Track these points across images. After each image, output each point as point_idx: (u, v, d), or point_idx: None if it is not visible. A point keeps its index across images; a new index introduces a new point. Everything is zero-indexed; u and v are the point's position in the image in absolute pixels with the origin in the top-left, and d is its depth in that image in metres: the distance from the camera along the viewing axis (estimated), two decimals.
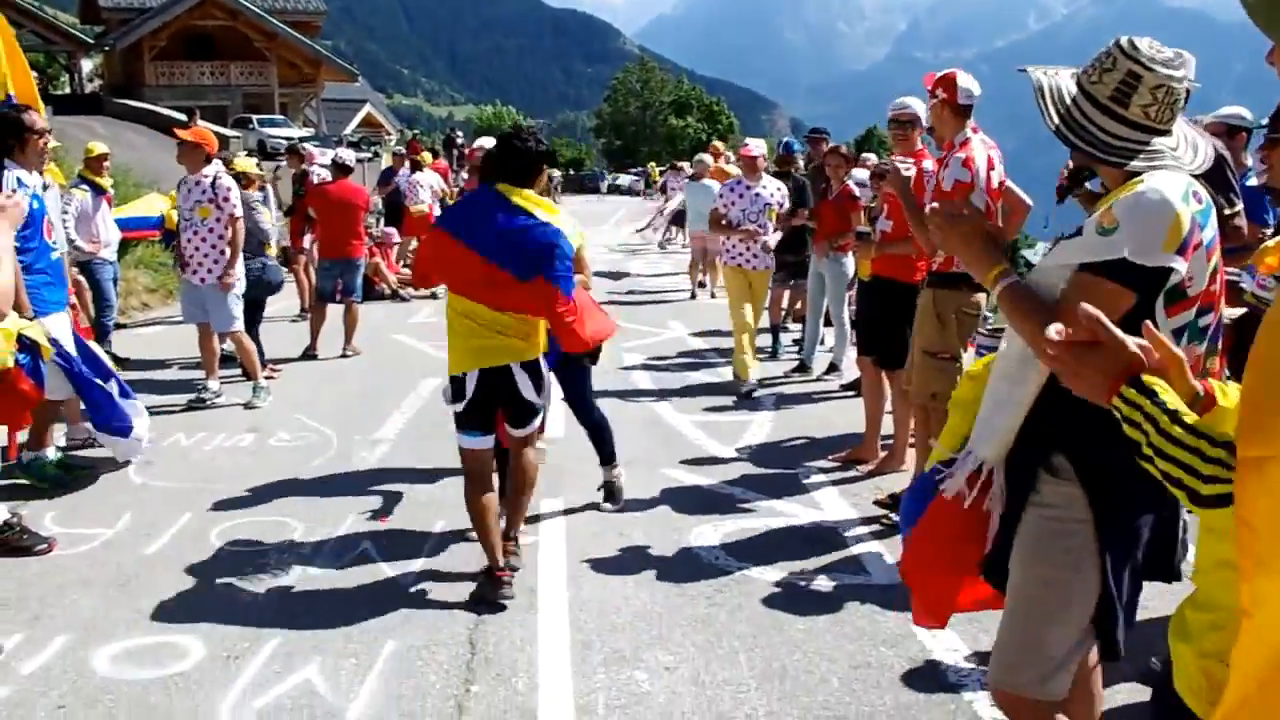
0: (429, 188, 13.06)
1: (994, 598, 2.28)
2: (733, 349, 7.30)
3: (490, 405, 3.77)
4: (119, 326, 8.72)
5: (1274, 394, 1.04)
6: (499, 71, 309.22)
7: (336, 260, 8.46)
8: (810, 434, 6.09)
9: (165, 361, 8.07)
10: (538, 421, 3.97)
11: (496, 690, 3.09)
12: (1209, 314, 1.97)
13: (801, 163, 9.11)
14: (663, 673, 3.19)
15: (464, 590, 3.77)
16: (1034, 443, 2.04)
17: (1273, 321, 1.06)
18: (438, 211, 12.22)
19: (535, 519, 4.50)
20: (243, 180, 7.37)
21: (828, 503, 4.86)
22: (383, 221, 13.81)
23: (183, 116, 21.56)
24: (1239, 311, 3.33)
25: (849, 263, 7.26)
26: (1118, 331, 1.37)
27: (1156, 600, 2.58)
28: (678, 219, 16.95)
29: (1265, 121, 4.64)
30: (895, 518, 4.45)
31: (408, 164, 13.85)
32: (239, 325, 6.67)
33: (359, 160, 12.18)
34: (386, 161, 17.68)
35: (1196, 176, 1.95)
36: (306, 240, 9.96)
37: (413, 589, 3.82)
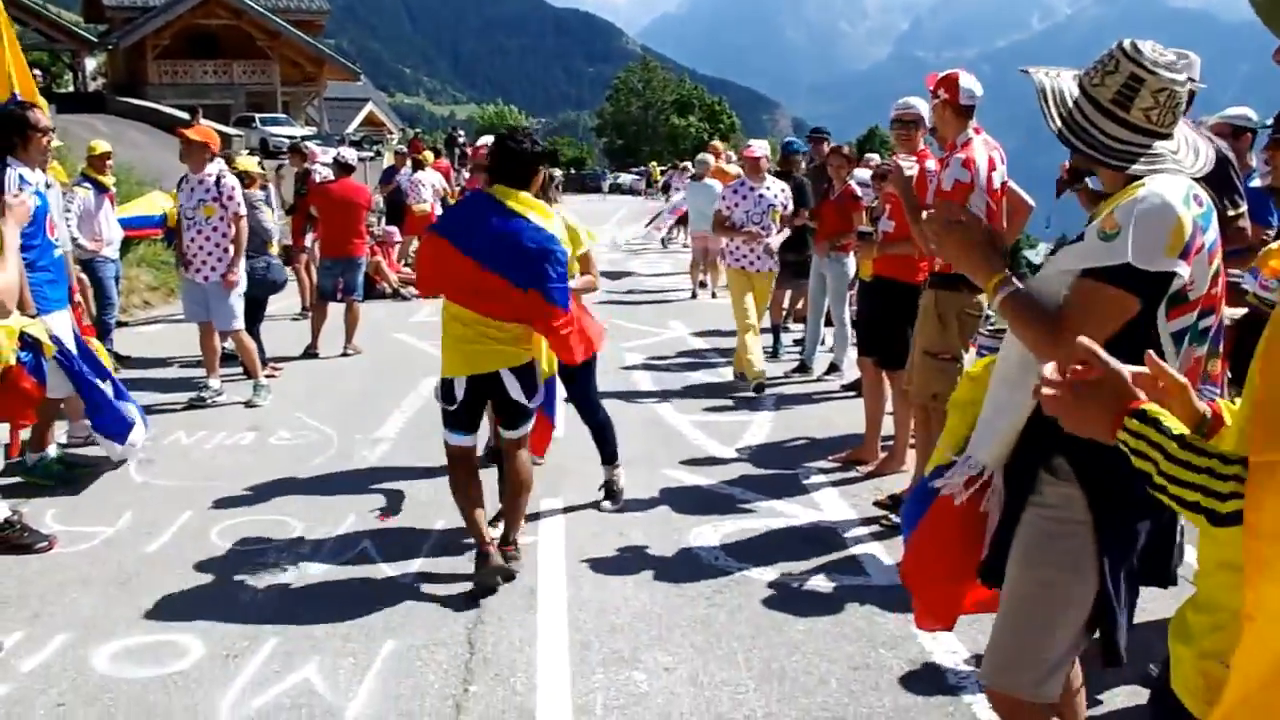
0: (431, 186, 13.07)
1: (994, 599, 2.27)
2: (733, 349, 7.29)
3: (478, 408, 3.87)
4: (120, 324, 8.73)
5: None
6: (501, 71, 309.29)
7: (338, 259, 8.47)
8: (810, 434, 6.09)
9: (166, 360, 8.07)
10: (530, 424, 3.98)
11: (495, 690, 3.08)
12: (1210, 316, 1.97)
13: (803, 163, 9.10)
14: (661, 673, 3.19)
15: (464, 590, 3.77)
16: (1035, 444, 2.04)
17: None
18: (439, 210, 12.23)
19: (535, 518, 4.50)
20: (245, 179, 7.37)
21: (828, 503, 4.85)
22: (384, 220, 13.82)
23: (185, 115, 21.55)
24: (1241, 312, 3.33)
25: (850, 263, 7.25)
26: (1114, 362, 1.35)
27: (1155, 603, 2.57)
28: (682, 218, 16.95)
29: (1269, 122, 4.63)
30: (895, 519, 4.45)
31: (409, 163, 13.86)
32: (240, 324, 6.68)
33: (361, 159, 12.17)
34: (388, 160, 17.72)
35: (1197, 179, 1.95)
36: (308, 239, 9.98)
37: (412, 588, 3.82)
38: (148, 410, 5.62)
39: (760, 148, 7.54)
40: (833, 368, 7.69)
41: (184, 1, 31.51)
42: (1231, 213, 3.88)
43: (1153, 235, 1.84)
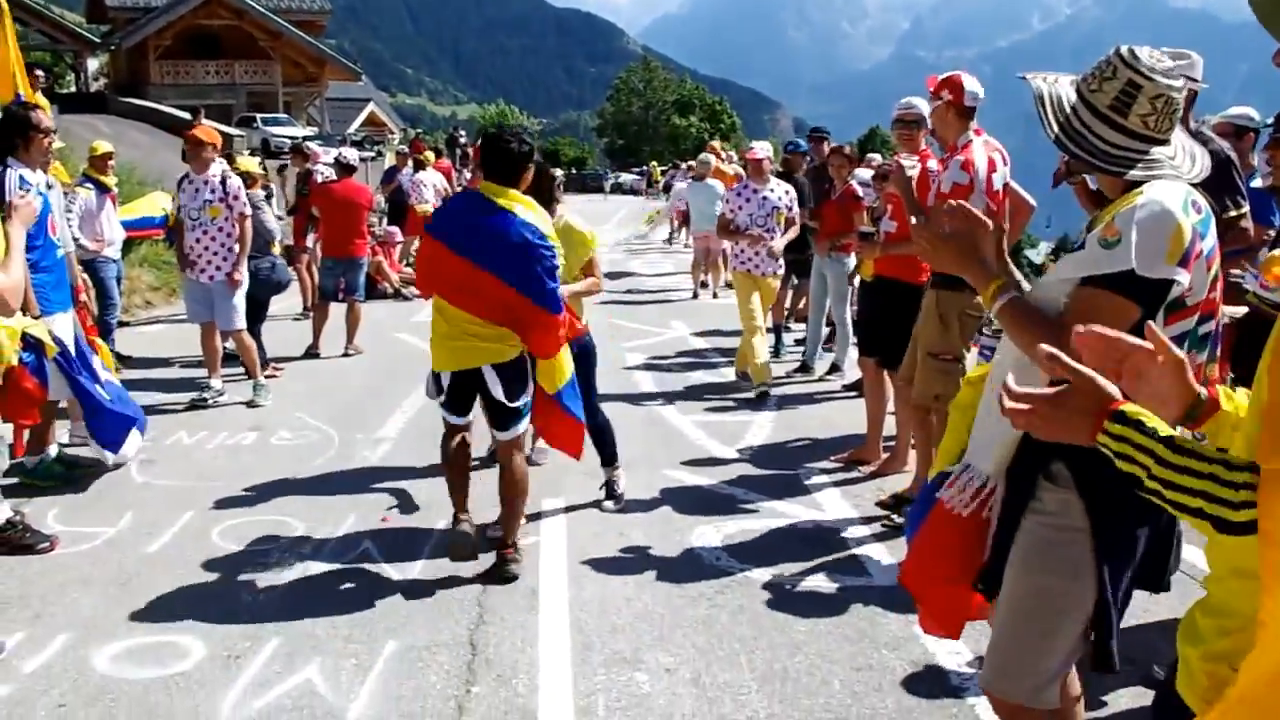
0: (432, 187, 13.07)
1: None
2: (734, 349, 7.28)
3: (467, 399, 3.94)
4: (122, 324, 8.73)
5: None
6: (502, 71, 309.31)
7: (339, 259, 8.48)
8: (812, 435, 6.08)
9: (168, 360, 8.08)
10: (522, 425, 3.97)
11: (497, 691, 3.08)
12: (1209, 322, 1.97)
13: (804, 163, 9.08)
14: (663, 674, 3.19)
15: (465, 590, 3.77)
16: (1033, 450, 2.03)
17: None
18: None
19: (536, 518, 4.50)
20: (246, 180, 7.38)
21: (829, 504, 4.85)
22: (386, 220, 13.83)
23: (187, 115, 21.56)
24: (1241, 310, 3.32)
25: (851, 263, 7.24)
26: (1082, 368, 1.33)
27: (1159, 605, 2.57)
28: (685, 218, 16.95)
29: (1270, 121, 4.63)
30: (898, 519, 4.45)
31: (411, 163, 13.86)
32: (242, 324, 6.69)
33: (362, 159, 12.18)
34: (390, 161, 17.70)
35: (1195, 184, 1.95)
36: (310, 239, 9.98)
37: (414, 589, 3.82)
38: (149, 410, 5.62)
39: (763, 149, 7.52)
40: (834, 368, 7.68)
41: (186, 2, 31.53)
42: (1234, 213, 3.88)
43: (1153, 242, 1.84)
